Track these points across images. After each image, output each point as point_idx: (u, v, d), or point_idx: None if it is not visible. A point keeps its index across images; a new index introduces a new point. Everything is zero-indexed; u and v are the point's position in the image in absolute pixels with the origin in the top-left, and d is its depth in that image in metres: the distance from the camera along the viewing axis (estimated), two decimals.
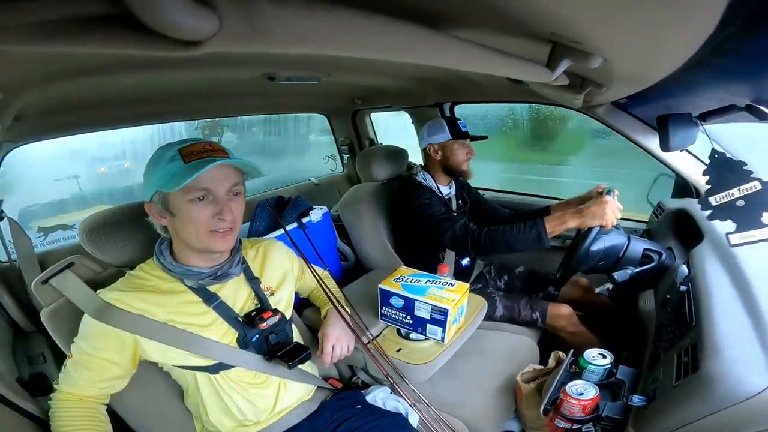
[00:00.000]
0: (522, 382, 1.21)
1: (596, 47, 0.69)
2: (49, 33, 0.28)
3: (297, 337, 1.08)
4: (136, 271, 0.90)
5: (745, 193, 0.96)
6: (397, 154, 1.83)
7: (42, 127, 1.40)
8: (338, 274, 1.72)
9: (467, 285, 1.15)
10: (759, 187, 0.95)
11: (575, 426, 0.94)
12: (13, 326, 1.27)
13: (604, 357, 1.05)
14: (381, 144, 2.62)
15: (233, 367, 0.92)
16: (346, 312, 1.15)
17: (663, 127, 1.17)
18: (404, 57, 0.53)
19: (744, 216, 0.96)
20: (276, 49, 0.36)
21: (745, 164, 0.98)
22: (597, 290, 1.29)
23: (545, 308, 1.51)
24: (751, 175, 0.96)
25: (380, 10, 0.41)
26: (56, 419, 0.81)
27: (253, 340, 0.94)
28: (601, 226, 1.19)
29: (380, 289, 1.15)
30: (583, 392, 0.94)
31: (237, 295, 0.95)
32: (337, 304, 1.14)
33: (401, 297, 1.12)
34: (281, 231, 1.42)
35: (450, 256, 1.60)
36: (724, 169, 0.99)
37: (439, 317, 1.08)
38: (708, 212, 0.99)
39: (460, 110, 2.19)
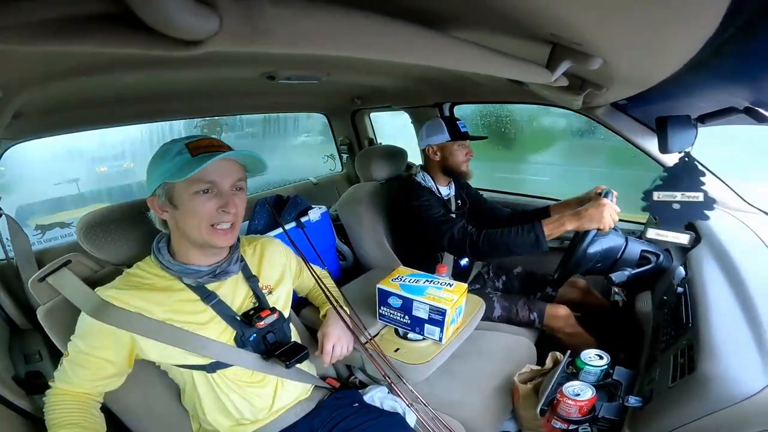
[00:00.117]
0: (519, 383, 1.21)
1: (596, 48, 0.69)
2: (50, 32, 0.27)
3: (295, 337, 1.08)
4: (134, 269, 0.90)
5: (686, 199, 1.05)
6: (396, 154, 1.83)
7: (41, 125, 1.39)
8: (337, 273, 1.72)
9: (465, 285, 1.15)
10: (700, 199, 1.04)
11: (572, 426, 0.94)
12: (10, 324, 1.27)
13: (601, 358, 1.05)
14: (380, 144, 2.63)
15: (230, 365, 0.91)
16: (345, 312, 1.15)
17: (662, 128, 1.17)
18: (404, 57, 0.53)
19: (671, 217, 1.06)
20: (276, 49, 0.36)
21: (704, 175, 1.06)
22: (614, 298, 1.29)
23: (543, 309, 1.51)
24: (701, 187, 1.04)
25: (380, 11, 0.41)
26: (50, 412, 0.81)
27: (251, 339, 0.94)
28: (599, 229, 1.19)
29: (378, 288, 1.15)
30: (579, 393, 0.94)
31: (235, 293, 0.95)
32: (335, 304, 1.14)
33: (399, 297, 1.12)
34: (280, 230, 1.42)
35: (448, 256, 1.60)
36: (685, 172, 1.08)
37: (437, 317, 1.08)
38: (645, 204, 1.09)
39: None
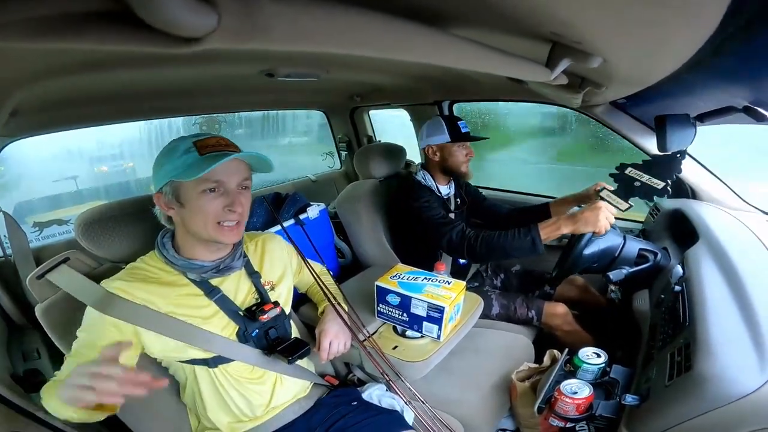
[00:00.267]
0: (517, 381, 1.22)
1: (596, 47, 0.69)
2: (48, 29, 0.27)
3: (295, 333, 1.08)
4: (138, 263, 0.91)
5: (648, 183, 1.20)
6: (395, 152, 1.83)
7: (39, 122, 1.39)
8: (335, 271, 1.72)
9: (464, 283, 1.16)
10: (659, 187, 1.19)
11: (569, 425, 0.94)
12: (8, 322, 1.27)
13: (599, 356, 1.06)
14: (379, 141, 2.62)
15: (232, 360, 0.92)
16: (343, 309, 1.15)
17: (661, 127, 1.18)
18: (404, 55, 0.53)
19: (627, 191, 1.23)
20: (275, 46, 0.36)
21: (679, 173, 1.22)
22: (610, 296, 1.30)
23: (541, 307, 1.51)
24: (665, 178, 1.19)
25: (380, 8, 0.41)
26: (46, 390, 0.76)
27: (253, 334, 0.94)
28: (594, 233, 1.19)
29: (377, 286, 1.15)
30: (577, 391, 0.95)
31: (238, 289, 0.96)
32: (334, 301, 1.15)
33: (398, 294, 1.12)
34: (278, 227, 1.42)
35: None
36: (666, 162, 1.22)
37: (436, 315, 1.08)
38: (616, 172, 1.25)
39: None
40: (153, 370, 0.95)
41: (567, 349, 1.14)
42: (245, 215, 0.89)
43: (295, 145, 3.77)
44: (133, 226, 0.96)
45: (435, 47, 0.54)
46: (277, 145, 3.73)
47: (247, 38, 0.32)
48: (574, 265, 1.24)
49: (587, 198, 1.48)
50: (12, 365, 1.15)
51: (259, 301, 0.98)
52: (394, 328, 1.21)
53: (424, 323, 1.11)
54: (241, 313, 0.94)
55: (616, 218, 1.20)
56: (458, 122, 1.54)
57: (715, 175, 1.44)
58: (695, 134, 1.19)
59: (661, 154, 1.24)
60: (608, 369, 1.04)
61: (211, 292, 0.91)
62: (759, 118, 1.01)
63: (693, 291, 0.96)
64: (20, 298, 1.28)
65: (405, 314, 1.13)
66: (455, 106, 2.18)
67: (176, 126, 2.81)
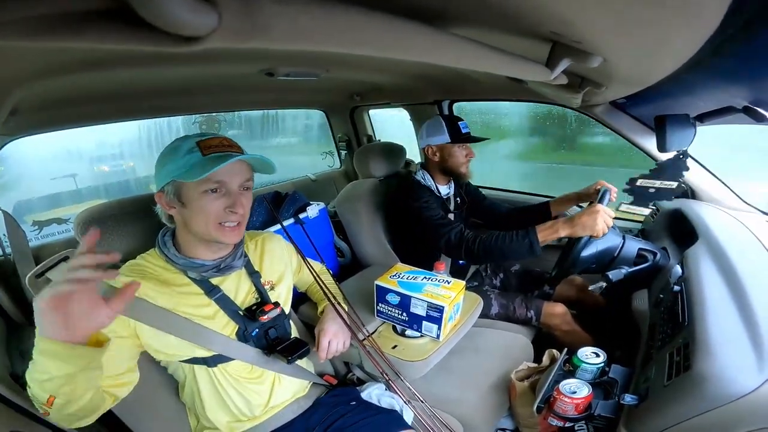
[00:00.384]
0: (516, 380, 1.22)
1: (596, 47, 0.69)
2: (48, 28, 0.27)
3: (294, 333, 1.08)
4: (138, 260, 0.91)
5: (662, 186, 1.21)
6: (394, 151, 1.83)
7: (38, 121, 1.39)
8: (335, 270, 1.72)
9: (463, 283, 1.16)
10: (672, 187, 1.20)
11: (568, 424, 0.95)
12: (7, 321, 1.26)
13: (598, 356, 1.06)
14: (379, 140, 2.62)
15: (231, 360, 0.92)
16: (343, 309, 1.15)
17: (660, 127, 1.18)
18: (403, 54, 0.53)
19: (643, 198, 1.24)
20: (275, 45, 0.36)
21: (687, 170, 1.22)
22: (591, 288, 1.30)
23: (540, 307, 1.51)
24: (676, 178, 1.20)
25: (380, 7, 0.41)
26: (28, 374, 0.67)
27: (253, 334, 0.94)
28: (592, 236, 1.19)
29: (376, 285, 1.15)
30: (576, 391, 0.95)
31: (238, 288, 0.96)
32: (333, 301, 1.15)
33: (397, 294, 1.12)
34: (278, 226, 1.42)
35: None
36: (671, 165, 1.23)
37: (435, 314, 1.08)
38: (627, 186, 1.26)
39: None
40: (149, 368, 0.95)
41: (566, 349, 1.15)
42: (246, 216, 0.89)
43: (284, 146, 3.92)
44: (133, 225, 0.96)
45: (435, 46, 0.54)
46: (268, 145, 3.85)
47: (247, 37, 0.32)
48: (574, 265, 1.24)
49: (587, 196, 1.47)
50: (11, 364, 1.15)
51: (259, 300, 0.98)
52: (394, 328, 1.21)
53: (424, 322, 1.11)
54: (241, 312, 0.94)
55: (615, 218, 1.20)
56: (459, 122, 1.52)
57: (714, 175, 1.45)
58: (695, 134, 1.19)
59: (665, 158, 1.26)
60: (607, 369, 1.04)
61: (212, 291, 0.91)
62: (758, 119, 1.01)
63: (692, 291, 0.96)
64: (20, 297, 1.27)
65: (404, 313, 1.13)
66: (455, 106, 2.18)
67: (176, 125, 2.82)
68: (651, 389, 0.83)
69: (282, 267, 1.07)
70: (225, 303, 0.92)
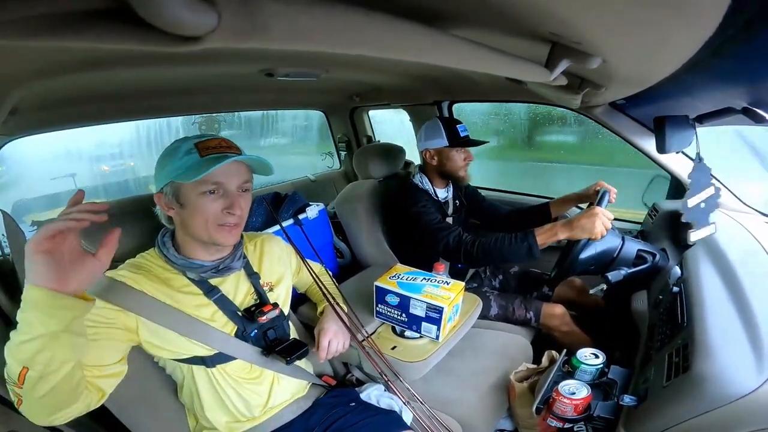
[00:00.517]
0: (515, 381, 1.22)
1: (596, 48, 0.69)
2: (48, 27, 0.27)
3: (293, 334, 1.08)
4: (138, 258, 0.91)
5: (706, 197, 1.15)
6: (394, 152, 1.83)
7: (38, 121, 1.39)
8: (334, 270, 1.72)
9: (462, 284, 1.16)
10: (712, 191, 1.14)
11: (567, 425, 0.95)
12: (6, 321, 1.26)
13: (597, 357, 1.06)
14: (378, 141, 2.62)
15: (230, 360, 0.92)
16: (342, 310, 1.15)
17: (660, 128, 1.18)
18: (403, 55, 0.53)
19: (701, 216, 1.16)
20: (275, 45, 0.36)
21: (710, 169, 1.16)
22: (591, 291, 1.30)
23: (539, 308, 1.51)
24: (711, 181, 1.14)
25: (379, 8, 0.41)
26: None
27: (252, 335, 0.94)
28: (590, 239, 1.19)
29: (376, 286, 1.15)
30: (575, 392, 0.95)
31: (237, 289, 0.96)
32: (333, 301, 1.14)
33: (397, 295, 1.12)
34: (277, 227, 1.42)
35: None
36: (701, 172, 1.17)
37: (434, 315, 1.08)
38: (685, 215, 1.17)
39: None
40: (148, 368, 0.94)
41: (565, 350, 1.15)
42: (244, 217, 0.89)
43: (276, 146, 4.03)
44: (132, 225, 0.96)
45: (434, 47, 0.54)
46: (260, 146, 3.96)
47: (246, 37, 0.32)
48: (573, 266, 1.24)
49: (587, 197, 1.47)
50: None
51: (258, 302, 0.98)
52: (393, 329, 1.21)
53: (423, 323, 1.11)
54: (239, 313, 0.94)
55: (614, 219, 1.20)
56: (457, 126, 1.51)
57: (714, 176, 1.44)
58: (694, 135, 1.19)
59: (690, 173, 1.20)
60: (606, 370, 1.04)
61: (210, 291, 0.91)
62: (758, 120, 1.01)
63: (691, 292, 0.96)
64: (18, 297, 1.27)
65: (404, 314, 1.13)
66: (455, 107, 2.18)
67: (176, 125, 2.82)
68: (650, 390, 0.83)
69: (281, 268, 1.07)
70: (224, 304, 0.92)
